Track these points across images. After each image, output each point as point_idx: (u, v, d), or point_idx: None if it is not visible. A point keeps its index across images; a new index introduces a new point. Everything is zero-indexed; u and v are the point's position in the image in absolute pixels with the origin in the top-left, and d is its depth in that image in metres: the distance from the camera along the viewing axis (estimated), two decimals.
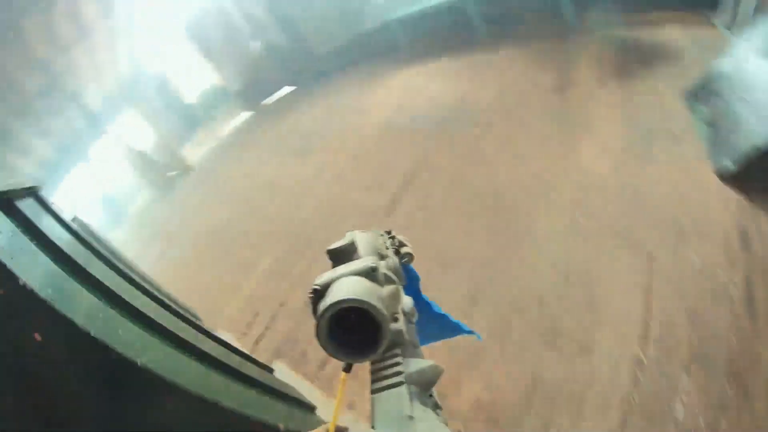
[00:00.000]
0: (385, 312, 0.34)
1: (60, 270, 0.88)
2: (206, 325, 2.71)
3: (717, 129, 1.97)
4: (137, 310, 1.03)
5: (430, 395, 0.37)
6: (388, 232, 0.65)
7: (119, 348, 0.77)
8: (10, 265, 0.73)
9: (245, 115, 8.87)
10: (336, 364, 1.67)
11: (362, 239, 0.50)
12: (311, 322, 0.36)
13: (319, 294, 0.37)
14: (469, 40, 4.68)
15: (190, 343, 1.14)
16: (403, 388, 0.35)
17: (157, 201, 8.45)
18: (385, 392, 0.35)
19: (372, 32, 5.98)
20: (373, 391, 0.36)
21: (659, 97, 2.49)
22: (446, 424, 0.34)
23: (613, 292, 1.57)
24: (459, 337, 0.69)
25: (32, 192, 1.20)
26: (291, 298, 2.56)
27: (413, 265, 0.62)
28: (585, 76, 3.10)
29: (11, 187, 1.02)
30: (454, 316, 0.65)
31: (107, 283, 1.01)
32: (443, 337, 0.67)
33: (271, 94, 8.32)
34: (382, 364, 0.38)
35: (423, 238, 2.34)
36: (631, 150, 2.23)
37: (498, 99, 3.39)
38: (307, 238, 3.02)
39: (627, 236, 1.78)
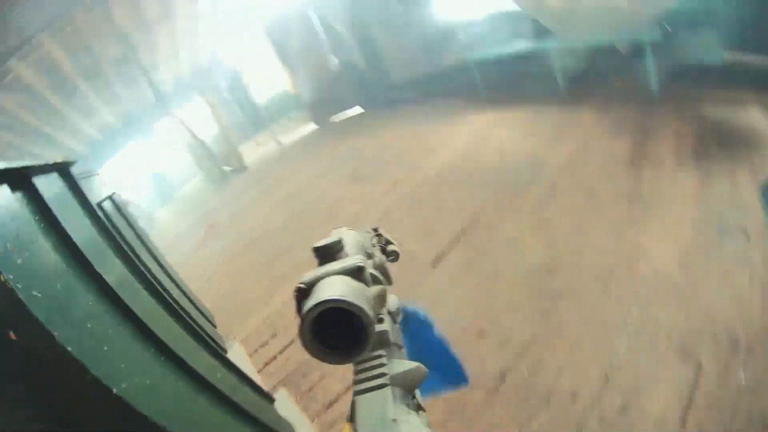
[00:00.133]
0: (371, 313, 0.33)
1: (60, 269, 0.82)
2: (219, 331, 2.64)
3: None
4: (134, 315, 0.97)
5: (413, 397, 0.37)
6: (375, 230, 0.66)
7: (95, 371, 0.70)
8: None
9: (311, 127, 8.92)
10: (342, 410, 1.60)
11: (349, 237, 0.49)
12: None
13: (304, 292, 0.36)
14: (548, 93, 4.54)
15: (183, 360, 1.08)
16: (387, 390, 0.34)
17: (208, 191, 8.61)
18: (369, 394, 0.34)
19: (451, 70, 5.95)
20: (356, 393, 0.35)
21: (736, 187, 2.30)
22: (428, 426, 0.33)
23: (651, 401, 1.52)
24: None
25: (60, 167, 1.14)
26: None
27: (424, 310, 0.61)
28: (662, 151, 2.95)
29: (34, 163, 0.94)
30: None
31: (110, 282, 0.95)
32: (443, 388, 0.65)
33: (340, 111, 8.35)
34: (366, 365, 0.37)
35: (463, 300, 2.25)
36: (700, 244, 2.10)
37: (569, 162, 3.23)
38: None
39: (679, 340, 1.72)
